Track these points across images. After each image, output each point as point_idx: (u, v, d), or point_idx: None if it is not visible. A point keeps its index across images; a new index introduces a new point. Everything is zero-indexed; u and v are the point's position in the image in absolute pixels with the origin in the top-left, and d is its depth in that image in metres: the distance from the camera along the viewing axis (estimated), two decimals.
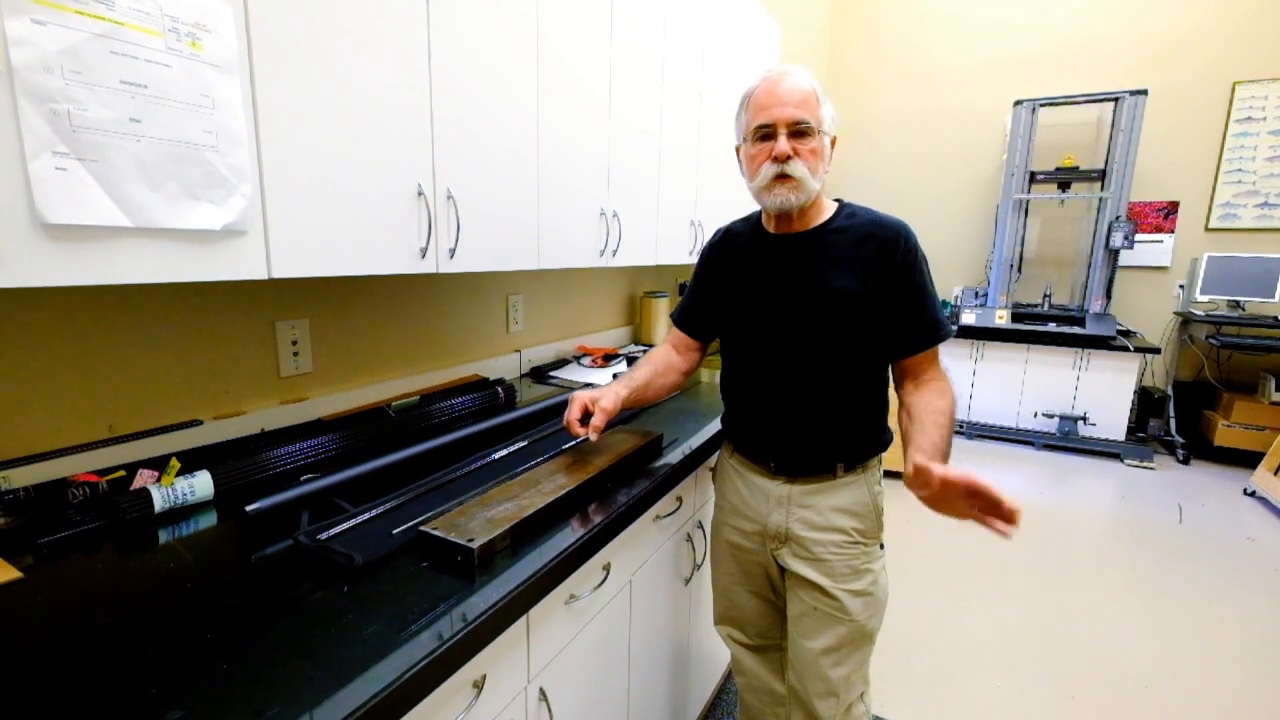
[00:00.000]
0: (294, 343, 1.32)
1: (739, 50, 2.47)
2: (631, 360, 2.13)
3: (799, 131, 1.03)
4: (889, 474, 1.14)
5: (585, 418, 1.17)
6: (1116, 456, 4.00)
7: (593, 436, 1.16)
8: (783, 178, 1.04)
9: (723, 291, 1.22)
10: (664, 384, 1.30)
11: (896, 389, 1.14)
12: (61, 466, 0.97)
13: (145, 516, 0.93)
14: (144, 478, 0.98)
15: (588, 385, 1.83)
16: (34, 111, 0.64)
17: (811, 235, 1.11)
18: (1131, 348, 3.90)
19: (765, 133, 1.05)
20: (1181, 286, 4.28)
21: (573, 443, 1.25)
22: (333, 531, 0.88)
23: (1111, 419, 4.05)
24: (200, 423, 1.15)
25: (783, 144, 1.03)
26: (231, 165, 0.81)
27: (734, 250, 1.22)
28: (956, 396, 1.07)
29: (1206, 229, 4.22)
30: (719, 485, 1.31)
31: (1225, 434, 3.90)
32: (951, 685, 1.92)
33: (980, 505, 0.86)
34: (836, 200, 1.15)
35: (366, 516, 0.94)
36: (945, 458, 0.97)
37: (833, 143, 1.09)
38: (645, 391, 1.27)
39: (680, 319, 1.33)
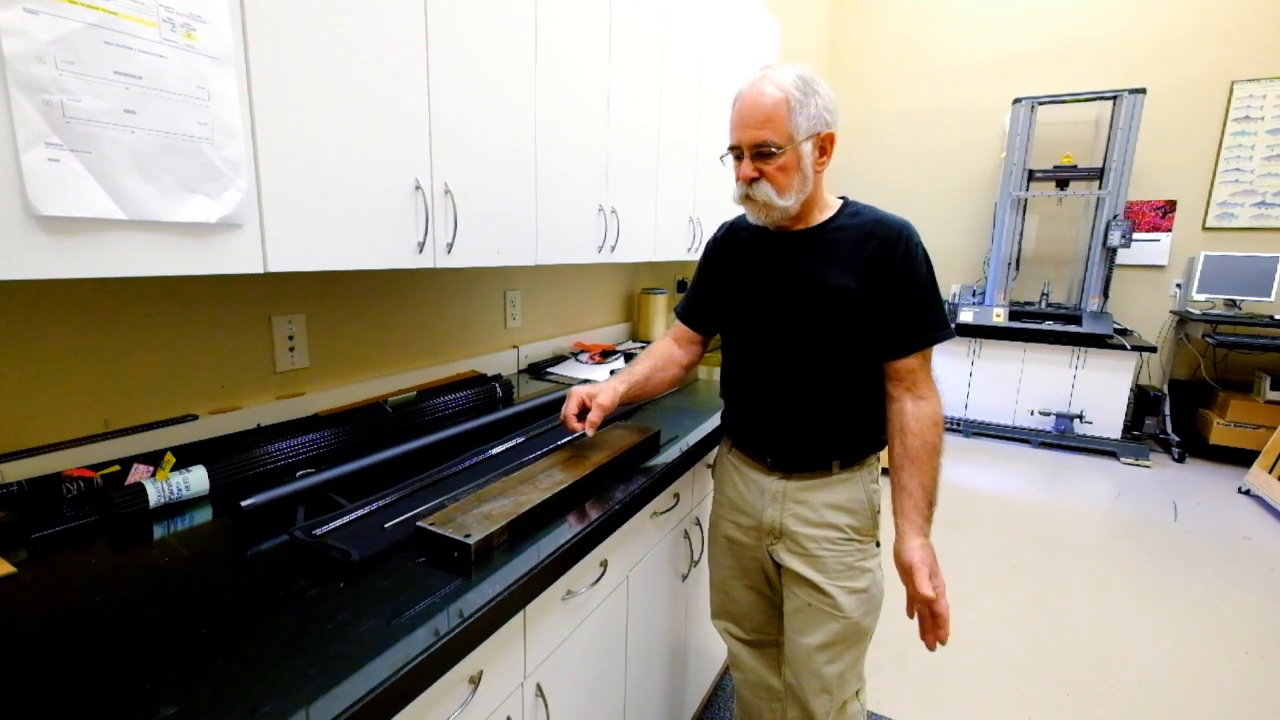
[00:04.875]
0: (290, 337, 1.31)
1: (738, 47, 2.46)
2: (629, 357, 2.13)
3: (763, 153, 1.02)
4: (886, 472, 1.14)
5: (583, 413, 1.17)
6: (1112, 455, 4.01)
7: (589, 432, 1.16)
8: (749, 199, 1.06)
9: (724, 286, 1.22)
10: (664, 378, 1.29)
11: (888, 396, 1.11)
12: (56, 461, 0.97)
13: (140, 511, 0.92)
14: (139, 472, 0.98)
15: (585, 381, 1.83)
16: (27, 102, 0.63)
17: (813, 233, 1.10)
18: (1128, 346, 3.91)
19: (735, 153, 1.06)
20: (1178, 285, 4.29)
21: (570, 438, 1.25)
22: (329, 527, 0.88)
23: (1108, 417, 4.06)
24: (196, 417, 1.15)
25: (745, 168, 1.03)
26: (227, 158, 0.80)
27: (737, 246, 1.21)
28: (943, 419, 1.09)
29: (1204, 228, 4.23)
30: (717, 480, 1.31)
31: (1221, 432, 3.91)
32: (947, 682, 1.93)
33: (928, 618, 1.05)
34: (841, 197, 1.15)
35: (363, 512, 0.93)
36: (933, 505, 1.07)
37: (828, 139, 1.04)
38: (645, 386, 1.26)
39: (683, 312, 1.33)
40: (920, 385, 1.08)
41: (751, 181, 1.03)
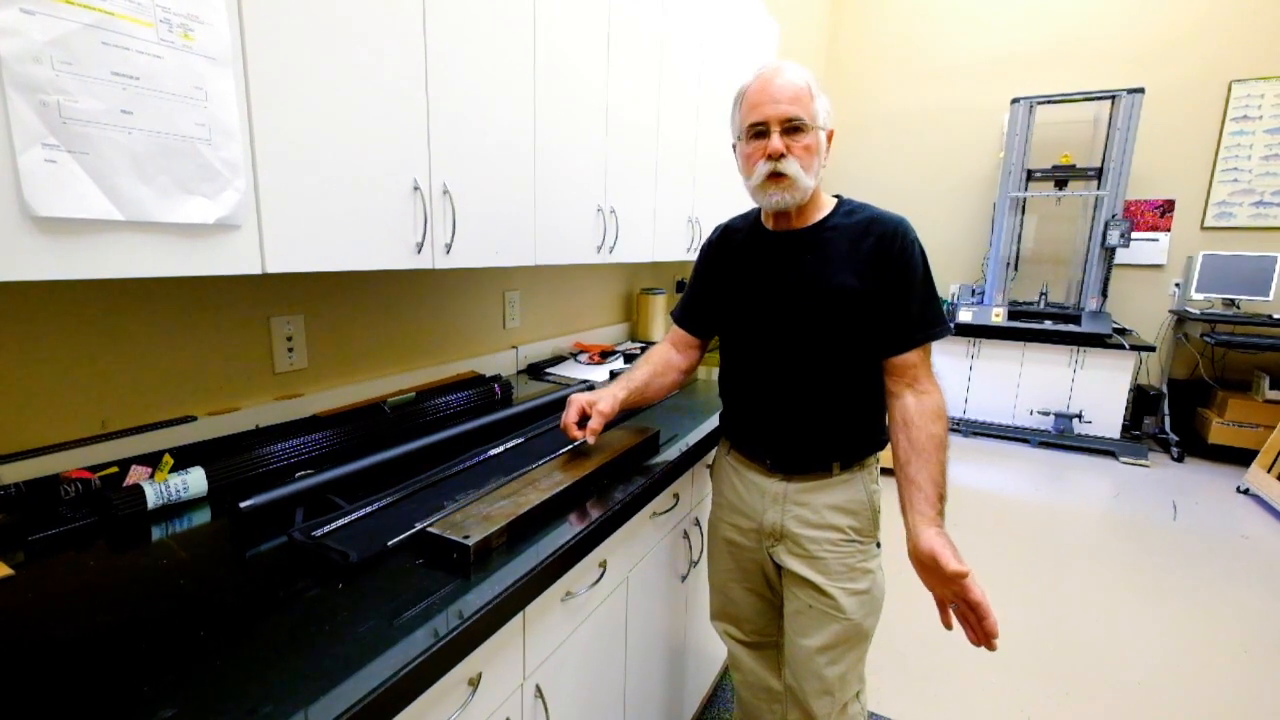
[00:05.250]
0: (289, 338, 1.31)
1: (737, 47, 2.46)
2: (629, 357, 2.13)
3: (792, 128, 1.03)
4: (886, 472, 1.14)
5: (582, 421, 1.17)
6: (1111, 454, 4.01)
7: (590, 440, 1.16)
8: (776, 177, 1.04)
9: (721, 289, 1.22)
10: (663, 383, 1.29)
11: (888, 394, 1.10)
12: (54, 462, 0.96)
13: (138, 513, 0.92)
14: (137, 474, 0.97)
15: (584, 382, 1.83)
16: (23, 103, 0.63)
17: (809, 232, 1.10)
18: (1127, 346, 3.91)
19: (758, 130, 1.05)
20: (1177, 285, 4.29)
21: (570, 445, 1.25)
22: (327, 528, 0.88)
23: (1107, 417, 4.07)
24: (194, 419, 1.15)
25: (776, 142, 1.02)
26: (224, 158, 0.80)
27: (733, 248, 1.21)
28: (948, 413, 1.06)
29: (1202, 227, 4.24)
30: (716, 482, 1.31)
31: (1219, 431, 3.92)
32: (947, 682, 1.93)
33: (970, 616, 0.95)
34: (836, 196, 1.15)
35: (362, 513, 0.93)
36: (944, 499, 1.01)
37: (829, 137, 1.08)
38: (645, 392, 1.26)
39: (680, 316, 1.33)
40: (921, 380, 1.07)
41: (780, 157, 1.03)
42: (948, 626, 0.99)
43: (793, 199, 1.06)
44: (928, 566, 0.97)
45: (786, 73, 1.04)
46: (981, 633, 0.94)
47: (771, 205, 1.08)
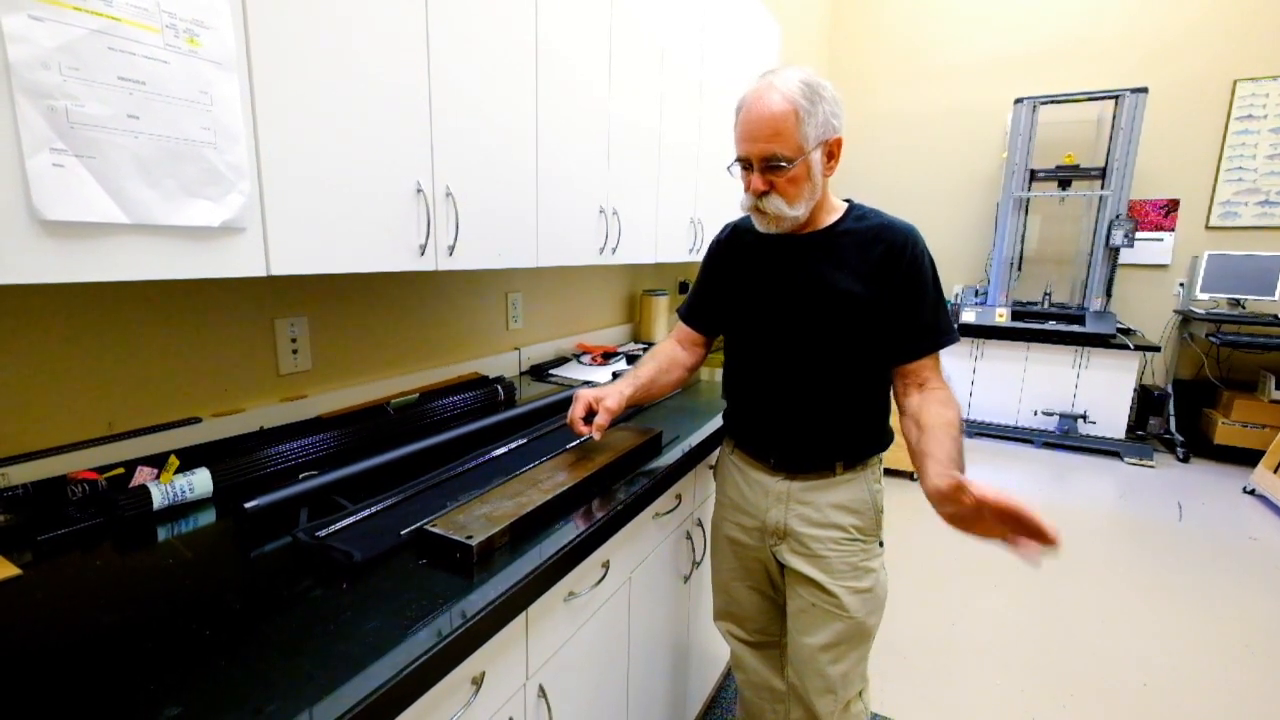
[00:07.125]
0: (293, 340, 1.32)
1: (739, 48, 2.46)
2: (631, 358, 2.13)
3: (773, 166, 1.01)
4: (889, 472, 1.14)
5: (589, 416, 1.17)
6: (1116, 455, 4.00)
7: (596, 435, 1.16)
8: (759, 210, 1.06)
9: (728, 288, 1.22)
10: (669, 380, 1.30)
11: (898, 396, 1.11)
12: (60, 464, 0.97)
13: (144, 514, 0.93)
14: (143, 475, 0.98)
15: (587, 383, 1.83)
16: (31, 108, 0.64)
17: (818, 237, 1.10)
18: (1131, 346, 3.90)
19: (744, 164, 1.05)
20: (1182, 284, 4.27)
21: (573, 441, 1.25)
22: (331, 529, 0.88)
23: (1111, 417, 4.05)
24: (199, 420, 1.15)
25: (755, 181, 1.03)
26: (229, 162, 0.81)
27: (741, 247, 1.21)
28: (960, 406, 1.05)
29: (1207, 227, 4.22)
30: (720, 481, 1.31)
31: (1225, 432, 3.90)
32: (950, 683, 1.92)
33: (1015, 529, 0.82)
34: (846, 200, 1.15)
35: (365, 514, 0.94)
36: (961, 470, 0.92)
37: (835, 145, 1.04)
38: (650, 389, 1.27)
39: (686, 314, 1.33)
40: (930, 381, 1.08)
41: (761, 194, 1.03)
42: (1034, 562, 0.82)
43: (778, 229, 1.07)
44: (949, 496, 0.87)
45: (772, 100, 0.98)
46: (1041, 536, 0.80)
47: (761, 230, 1.10)
